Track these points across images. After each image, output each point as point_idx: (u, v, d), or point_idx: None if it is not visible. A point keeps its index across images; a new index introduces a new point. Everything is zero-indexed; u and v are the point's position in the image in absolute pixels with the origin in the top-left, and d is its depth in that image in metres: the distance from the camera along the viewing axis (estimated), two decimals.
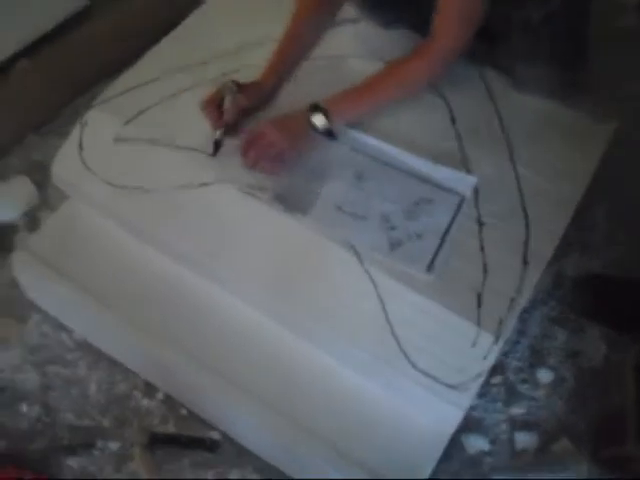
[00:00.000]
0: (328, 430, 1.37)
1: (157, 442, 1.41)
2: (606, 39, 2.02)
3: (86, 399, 1.49)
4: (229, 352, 1.44)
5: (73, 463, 1.42)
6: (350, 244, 1.36)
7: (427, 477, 1.35)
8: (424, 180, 1.48)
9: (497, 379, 1.57)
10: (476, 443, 1.49)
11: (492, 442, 1.50)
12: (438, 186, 1.47)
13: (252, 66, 1.58)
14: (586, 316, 1.67)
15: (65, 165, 1.54)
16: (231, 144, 1.46)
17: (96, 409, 1.48)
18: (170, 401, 1.49)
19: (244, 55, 1.63)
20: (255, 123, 1.49)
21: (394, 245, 1.38)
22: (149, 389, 1.50)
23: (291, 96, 1.55)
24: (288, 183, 1.43)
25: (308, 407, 1.40)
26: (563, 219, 1.47)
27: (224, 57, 1.63)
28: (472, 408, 1.49)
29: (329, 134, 1.44)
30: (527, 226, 1.43)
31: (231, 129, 1.46)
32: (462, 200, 1.45)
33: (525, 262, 1.39)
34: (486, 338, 1.31)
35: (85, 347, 1.55)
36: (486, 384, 1.52)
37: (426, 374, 1.31)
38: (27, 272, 1.57)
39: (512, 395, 1.56)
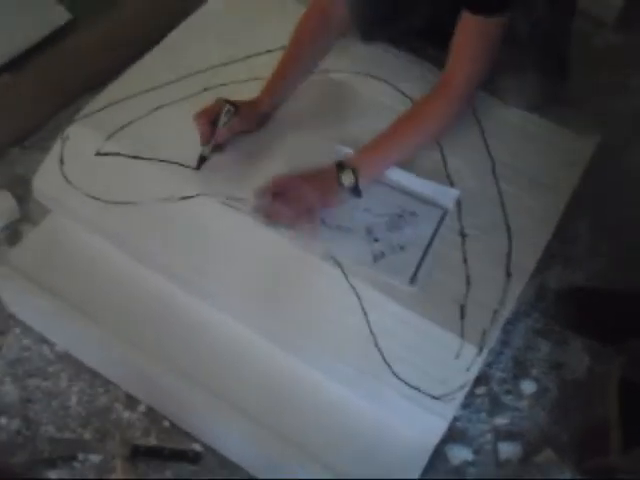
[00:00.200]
0: (312, 442, 1.37)
1: (139, 454, 1.39)
2: (587, 56, 2.07)
3: (67, 412, 1.48)
4: (213, 364, 1.44)
5: (54, 476, 1.41)
6: (334, 257, 1.37)
7: None
8: (407, 193, 1.49)
9: (481, 390, 1.57)
10: (460, 453, 1.49)
11: (476, 452, 1.50)
12: (421, 199, 1.48)
13: (237, 82, 1.60)
14: (570, 328, 1.67)
15: (46, 179, 1.55)
16: (214, 157, 1.47)
17: (77, 422, 1.47)
18: (152, 413, 1.48)
19: (229, 70, 1.64)
20: (246, 142, 1.50)
21: (377, 257, 1.39)
22: (130, 401, 1.49)
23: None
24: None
25: (292, 419, 1.40)
26: (546, 231, 1.49)
27: (208, 72, 1.63)
28: (456, 419, 1.49)
29: (355, 191, 1.43)
30: (510, 238, 1.45)
31: (219, 146, 1.47)
32: (445, 213, 1.47)
33: (508, 274, 1.40)
34: (469, 350, 1.32)
35: (66, 359, 1.54)
36: (470, 395, 1.52)
37: (410, 385, 1.32)
38: (8, 286, 1.57)
39: (496, 406, 1.56)
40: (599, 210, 1.85)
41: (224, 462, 1.44)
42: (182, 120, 1.51)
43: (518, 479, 1.48)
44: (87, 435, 1.46)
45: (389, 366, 1.33)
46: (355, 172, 1.41)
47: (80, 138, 1.52)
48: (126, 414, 1.48)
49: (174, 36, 1.72)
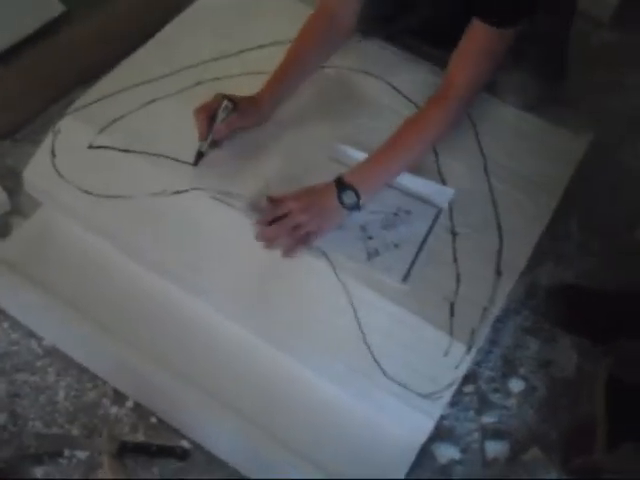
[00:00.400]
0: (301, 440, 1.38)
1: (126, 451, 1.39)
2: (583, 55, 2.08)
3: (54, 407, 1.48)
4: (203, 361, 1.44)
5: (40, 472, 1.40)
6: (324, 254, 1.37)
7: None
8: (403, 191, 1.49)
9: (469, 388, 1.57)
10: (447, 452, 1.49)
11: (463, 451, 1.50)
12: (416, 197, 1.49)
13: (230, 76, 1.61)
14: (559, 326, 1.68)
15: (37, 172, 1.55)
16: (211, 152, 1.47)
17: (64, 417, 1.47)
18: (140, 409, 1.48)
19: (222, 65, 1.64)
20: (242, 138, 1.49)
21: (371, 254, 1.40)
22: (118, 397, 1.49)
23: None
24: (264, 192, 1.43)
25: (283, 417, 1.40)
26: (537, 230, 1.50)
27: (201, 66, 1.64)
28: (443, 417, 1.49)
29: (356, 208, 1.41)
30: (500, 236, 1.46)
31: (216, 142, 1.47)
32: (439, 212, 1.48)
33: (498, 272, 1.41)
34: (458, 347, 1.33)
35: (54, 354, 1.53)
36: (458, 393, 1.52)
37: (399, 383, 1.33)
38: None
39: (484, 404, 1.56)
40: (591, 208, 1.86)
41: (212, 459, 1.43)
42: (175, 114, 1.53)
43: (505, 478, 1.48)
44: (74, 431, 1.45)
45: (378, 364, 1.33)
46: (357, 192, 1.38)
47: (72, 131, 1.52)
48: (114, 410, 1.48)
49: (168, 30, 1.72)
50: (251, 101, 1.48)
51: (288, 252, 1.36)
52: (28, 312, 1.55)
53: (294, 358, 1.42)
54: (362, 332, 1.34)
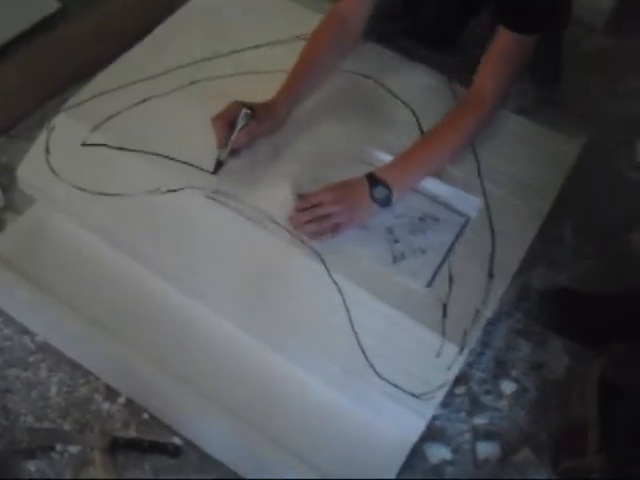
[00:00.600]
0: (295, 440, 1.39)
1: (118, 447, 1.40)
2: (577, 59, 2.10)
3: (46, 402, 1.49)
4: (197, 359, 1.45)
5: (32, 467, 1.41)
6: (319, 254, 1.38)
7: None
8: (430, 197, 1.51)
9: (461, 389, 1.59)
10: (438, 452, 1.50)
11: (454, 451, 1.51)
12: (443, 204, 1.51)
13: (224, 76, 1.62)
14: (551, 329, 1.69)
15: (31, 169, 1.56)
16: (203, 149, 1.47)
17: (56, 412, 1.47)
18: (132, 405, 1.49)
19: (215, 64, 1.65)
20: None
21: (397, 258, 1.42)
22: (110, 393, 1.50)
23: None
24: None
25: (274, 416, 1.41)
26: (529, 233, 1.50)
27: (195, 65, 1.65)
28: (435, 417, 1.50)
29: (386, 204, 1.44)
30: (493, 239, 1.47)
31: (235, 151, 1.47)
32: (467, 221, 1.49)
33: (491, 275, 1.42)
34: (451, 349, 1.34)
35: (47, 350, 1.54)
36: (450, 394, 1.53)
37: (391, 383, 1.34)
38: None
39: (475, 405, 1.57)
40: (584, 212, 1.87)
41: (205, 457, 1.44)
42: (169, 112, 1.55)
43: (496, 479, 1.49)
44: (66, 426, 1.46)
45: (371, 364, 1.34)
46: (388, 187, 1.41)
47: (66, 128, 1.53)
48: (106, 405, 1.48)
49: (162, 29, 1.72)
50: (266, 107, 1.48)
51: (314, 237, 1.39)
52: (21, 308, 1.56)
53: (287, 358, 1.43)
54: (355, 332, 1.35)
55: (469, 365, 1.60)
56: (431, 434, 1.50)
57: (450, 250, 1.44)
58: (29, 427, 1.44)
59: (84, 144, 1.51)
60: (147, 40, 1.69)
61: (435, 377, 1.34)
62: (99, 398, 1.49)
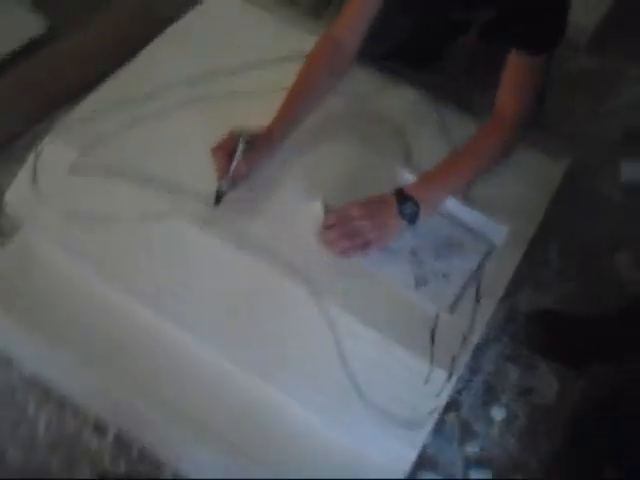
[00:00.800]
0: (286, 471, 1.40)
1: None
2: (561, 79, 2.13)
3: (34, 439, 1.49)
4: (186, 390, 1.45)
5: None
6: (306, 280, 1.38)
7: None
8: (456, 222, 1.53)
9: (451, 417, 1.60)
10: None
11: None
12: (469, 230, 1.52)
13: (217, 96, 1.63)
14: (537, 352, 1.70)
15: (19, 194, 1.55)
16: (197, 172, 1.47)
17: (44, 449, 1.47)
18: (121, 441, 1.49)
19: (207, 85, 1.66)
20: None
21: (419, 282, 1.43)
22: (100, 428, 1.50)
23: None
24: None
25: (266, 447, 1.42)
26: (515, 255, 1.51)
27: (186, 86, 1.65)
28: (426, 446, 1.51)
29: (413, 221, 1.46)
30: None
31: (235, 181, 1.46)
32: (492, 249, 1.50)
33: (477, 299, 1.43)
34: (439, 375, 1.33)
35: (34, 384, 1.54)
36: (440, 422, 1.54)
37: (379, 411, 1.35)
38: None
39: (466, 433, 1.59)
40: (570, 234, 1.89)
41: None
42: (160, 134, 1.55)
43: None
44: (54, 463, 1.46)
45: (358, 392, 1.35)
46: (417, 203, 1.44)
47: (54, 152, 1.53)
48: (95, 441, 1.48)
49: (152, 49, 1.73)
50: (264, 135, 1.49)
51: (344, 254, 1.42)
52: (7, 340, 1.55)
53: (275, 387, 1.43)
54: (342, 359, 1.36)
55: (459, 392, 1.62)
56: (423, 462, 1.50)
57: (473, 276, 1.45)
58: (16, 466, 1.44)
59: (73, 169, 1.50)
60: (136, 60, 1.70)
61: (424, 404, 1.35)
62: (88, 434, 1.49)
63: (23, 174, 1.55)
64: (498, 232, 1.51)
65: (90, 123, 1.56)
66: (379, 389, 1.36)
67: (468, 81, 1.81)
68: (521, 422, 1.62)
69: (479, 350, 1.65)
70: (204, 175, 1.46)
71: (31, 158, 1.55)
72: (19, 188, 1.55)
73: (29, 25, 2.13)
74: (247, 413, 1.44)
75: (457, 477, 1.53)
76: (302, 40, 1.65)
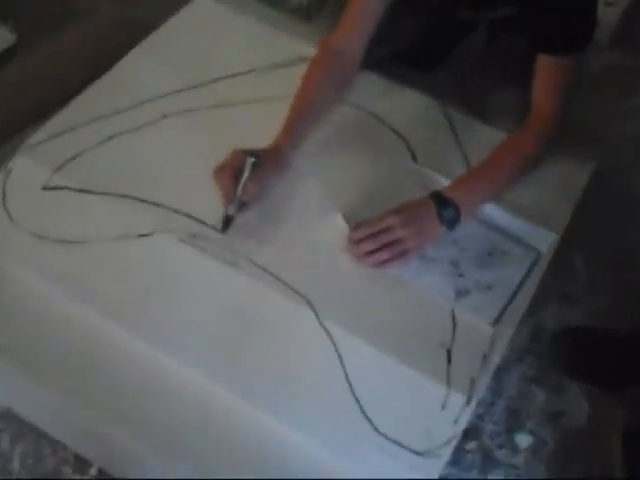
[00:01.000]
0: None
1: None
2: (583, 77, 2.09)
3: (9, 477, 1.45)
4: (175, 422, 1.39)
5: None
6: (306, 298, 1.37)
7: None
8: (498, 230, 1.53)
9: (471, 445, 1.57)
10: None
11: None
12: (513, 238, 1.52)
13: (200, 108, 1.63)
14: (565, 372, 1.67)
15: None
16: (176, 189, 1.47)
17: None
18: (104, 477, 1.45)
19: (190, 96, 1.65)
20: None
21: (461, 293, 1.42)
22: (80, 463, 1.46)
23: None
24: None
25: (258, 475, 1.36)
26: (539, 268, 1.49)
27: (166, 97, 1.65)
28: (443, 477, 1.42)
29: (453, 227, 1.45)
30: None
31: (245, 204, 1.45)
32: (538, 257, 1.50)
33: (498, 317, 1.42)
34: (457, 399, 1.32)
35: (8, 418, 1.51)
36: (459, 450, 1.51)
37: (391, 440, 1.31)
38: None
39: (488, 462, 1.56)
40: (597, 243, 1.86)
41: None
42: (137, 150, 1.55)
43: None
44: None
45: (368, 418, 1.32)
46: (457, 206, 1.43)
47: (24, 171, 1.52)
48: (76, 478, 1.46)
49: (128, 59, 1.71)
50: (272, 153, 1.48)
51: (382, 265, 1.41)
52: None
53: (275, 417, 1.37)
54: (349, 384, 1.33)
55: (479, 417, 1.59)
56: None
57: (520, 288, 1.44)
58: None
59: (45, 188, 1.49)
60: (111, 72, 1.69)
61: (441, 432, 1.31)
62: (68, 470, 1.46)
63: None
64: (544, 238, 1.52)
65: (63, 139, 1.56)
66: (389, 415, 1.32)
67: (479, 80, 1.82)
68: (550, 448, 1.59)
69: (501, 371, 1.62)
70: (187, 193, 1.48)
71: (0, 177, 1.54)
72: None
73: None
74: (242, 446, 1.39)
75: None
76: (294, 45, 1.67)
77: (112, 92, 1.65)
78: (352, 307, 1.39)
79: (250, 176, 1.40)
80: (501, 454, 1.57)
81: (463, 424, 1.33)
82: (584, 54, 1.53)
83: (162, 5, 1.89)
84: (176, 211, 1.46)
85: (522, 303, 1.45)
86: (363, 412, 1.32)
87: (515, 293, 1.44)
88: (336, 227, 1.46)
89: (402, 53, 1.78)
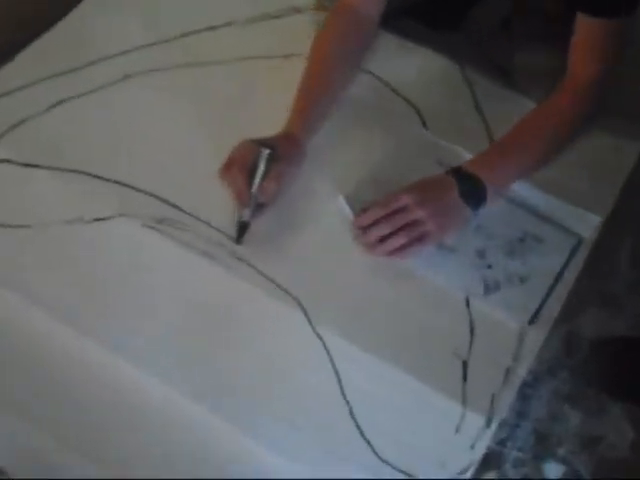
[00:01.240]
0: None
1: None
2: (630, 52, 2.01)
3: None
4: (134, 443, 1.30)
5: None
6: (297, 301, 1.32)
7: None
8: (532, 212, 1.47)
9: (491, 475, 1.43)
10: None
11: None
12: (550, 222, 1.47)
13: (168, 67, 1.58)
14: (605, 390, 1.58)
15: None
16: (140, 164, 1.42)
17: None
18: None
19: (158, 52, 1.61)
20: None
21: (490, 287, 1.38)
22: None
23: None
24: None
25: None
26: (580, 256, 1.45)
27: (130, 54, 1.60)
28: None
29: (480, 204, 1.40)
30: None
31: (262, 205, 1.38)
32: (579, 242, 1.45)
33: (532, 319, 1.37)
34: (474, 421, 1.26)
35: None
36: None
37: (396, 469, 1.24)
38: None
39: None
40: None
41: None
42: (94, 116, 1.49)
43: None
44: None
45: (369, 443, 1.24)
46: (482, 183, 1.38)
47: None
48: None
49: (83, 9, 1.67)
50: (288, 141, 1.40)
51: (400, 253, 1.34)
52: None
53: (257, 441, 1.29)
54: (347, 403, 1.26)
55: (501, 442, 1.45)
56: None
57: (559, 279, 1.40)
58: None
59: None
60: (62, 24, 1.64)
61: (455, 459, 1.25)
62: None
63: None
64: (587, 221, 1.46)
65: (3, 104, 1.53)
66: (394, 439, 1.25)
67: (504, 41, 1.75)
68: None
69: (528, 387, 1.51)
70: (153, 169, 1.44)
71: None
72: None
73: None
74: (216, 469, 1.30)
75: None
76: None
77: (63, 48, 1.60)
78: (348, 308, 1.33)
79: (265, 172, 1.33)
80: None
81: (481, 450, 1.28)
82: (634, 16, 1.44)
83: None
84: (140, 191, 1.40)
85: (555, 304, 1.40)
86: (363, 437, 1.25)
87: (553, 287, 1.37)
88: (336, 212, 1.41)
89: (415, 7, 1.73)
